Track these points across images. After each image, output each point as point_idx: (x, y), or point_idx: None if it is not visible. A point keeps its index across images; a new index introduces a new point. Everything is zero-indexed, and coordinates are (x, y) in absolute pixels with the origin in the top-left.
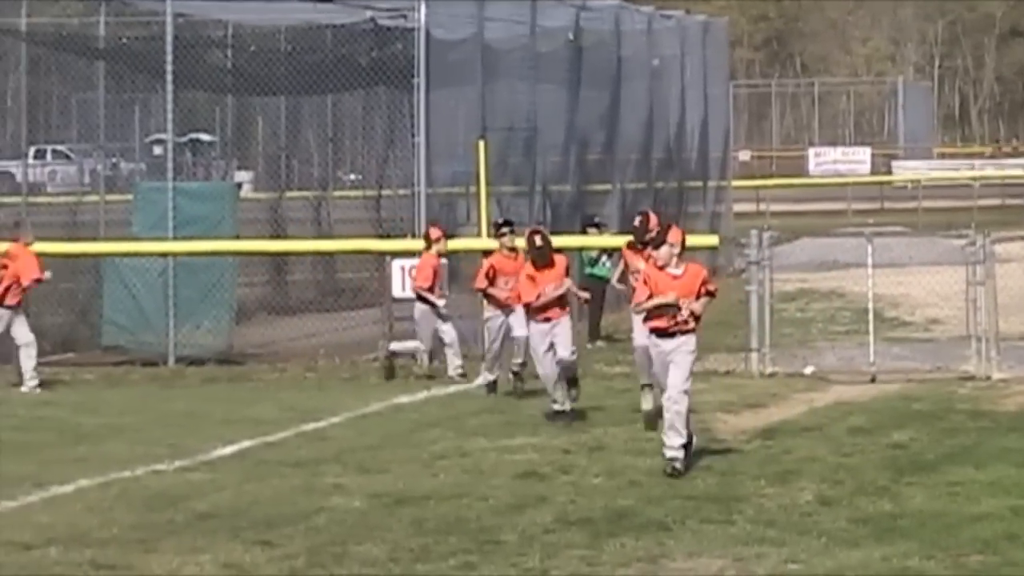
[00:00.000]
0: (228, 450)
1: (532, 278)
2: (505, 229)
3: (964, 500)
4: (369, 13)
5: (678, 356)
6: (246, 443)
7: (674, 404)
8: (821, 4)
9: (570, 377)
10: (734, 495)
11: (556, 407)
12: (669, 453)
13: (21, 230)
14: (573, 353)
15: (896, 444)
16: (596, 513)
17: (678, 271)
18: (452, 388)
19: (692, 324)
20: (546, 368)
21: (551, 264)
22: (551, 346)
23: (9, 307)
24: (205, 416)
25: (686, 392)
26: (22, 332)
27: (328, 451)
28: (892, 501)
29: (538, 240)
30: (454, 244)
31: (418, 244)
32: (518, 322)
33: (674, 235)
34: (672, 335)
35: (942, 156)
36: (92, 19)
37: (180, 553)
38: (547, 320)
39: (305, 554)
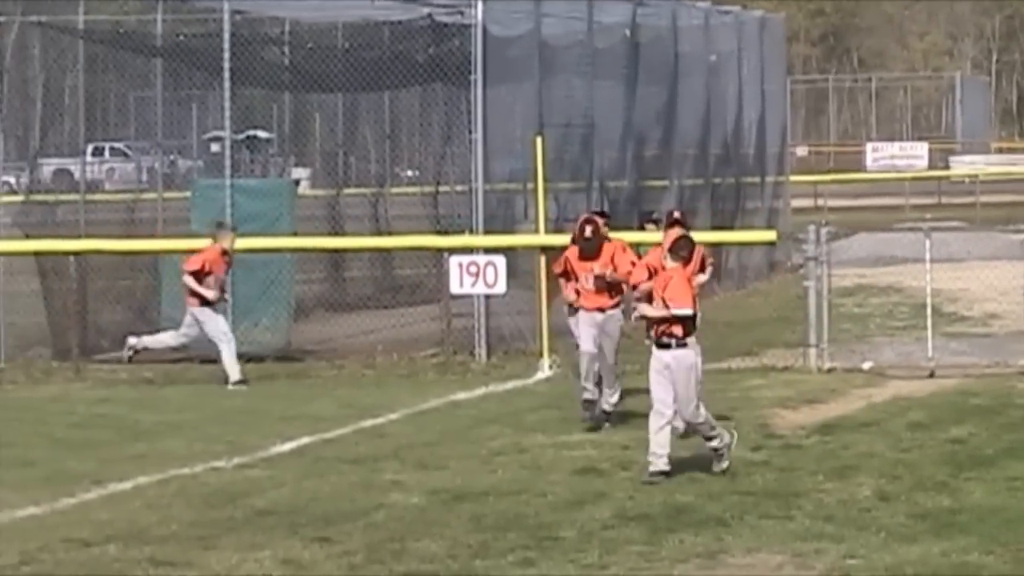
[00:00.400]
0: (287, 447)
1: (570, 270)
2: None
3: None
4: (426, 9)
5: (678, 374)
6: (304, 440)
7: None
8: None
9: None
10: (793, 491)
11: (587, 396)
12: (655, 462)
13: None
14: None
15: (955, 439)
16: (655, 509)
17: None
18: (510, 384)
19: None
20: (587, 345)
21: (596, 256)
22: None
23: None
24: (263, 413)
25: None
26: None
27: (386, 447)
28: (951, 496)
29: (588, 230)
30: (512, 240)
31: (476, 240)
32: (581, 334)
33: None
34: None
35: (1000, 151)
36: (150, 17)
37: (239, 550)
38: (600, 310)
39: (364, 550)
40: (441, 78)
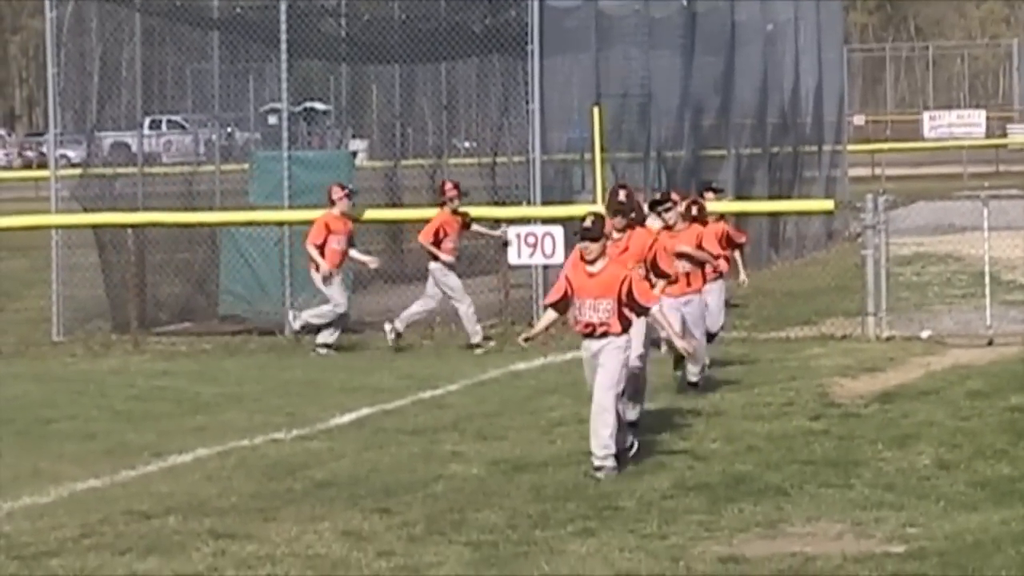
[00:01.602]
0: (346, 418)
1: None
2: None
3: None
4: None
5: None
6: (364, 411)
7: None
8: None
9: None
10: (852, 459)
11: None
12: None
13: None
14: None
15: (1014, 407)
16: (714, 479)
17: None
18: (569, 355)
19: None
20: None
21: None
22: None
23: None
24: (323, 385)
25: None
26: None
27: (446, 418)
28: (1011, 464)
29: (621, 195)
30: (570, 211)
31: (535, 211)
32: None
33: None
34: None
35: None
36: None
37: (299, 522)
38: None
39: (424, 521)
40: (498, 49)
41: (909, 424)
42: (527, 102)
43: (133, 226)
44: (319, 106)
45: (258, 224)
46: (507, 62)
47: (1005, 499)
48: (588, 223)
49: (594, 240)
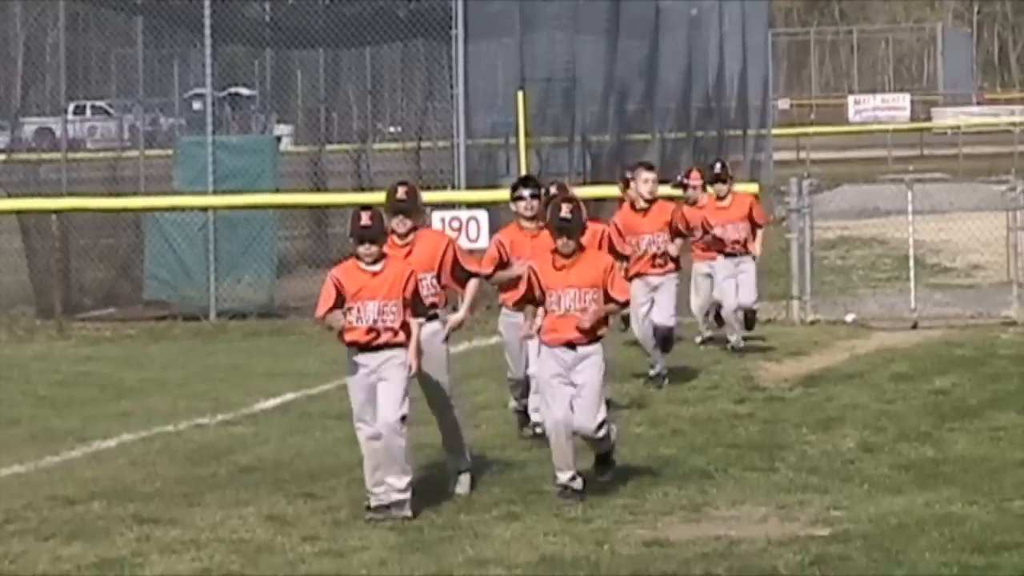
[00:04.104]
0: (271, 403)
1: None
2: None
3: (1007, 445)
4: None
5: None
6: (289, 396)
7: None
8: None
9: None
10: (777, 443)
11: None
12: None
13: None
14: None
15: (938, 390)
16: (639, 462)
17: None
18: (495, 339)
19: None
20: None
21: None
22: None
23: None
24: (247, 370)
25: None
26: None
27: None
28: (935, 447)
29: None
30: (494, 195)
31: (460, 195)
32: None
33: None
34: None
35: (981, 102)
36: None
37: (223, 506)
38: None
39: (348, 505)
40: (422, 33)
41: (834, 407)
42: (451, 87)
43: (57, 211)
44: (244, 91)
45: (182, 209)
46: (431, 47)
47: (929, 481)
48: (566, 212)
49: (571, 235)
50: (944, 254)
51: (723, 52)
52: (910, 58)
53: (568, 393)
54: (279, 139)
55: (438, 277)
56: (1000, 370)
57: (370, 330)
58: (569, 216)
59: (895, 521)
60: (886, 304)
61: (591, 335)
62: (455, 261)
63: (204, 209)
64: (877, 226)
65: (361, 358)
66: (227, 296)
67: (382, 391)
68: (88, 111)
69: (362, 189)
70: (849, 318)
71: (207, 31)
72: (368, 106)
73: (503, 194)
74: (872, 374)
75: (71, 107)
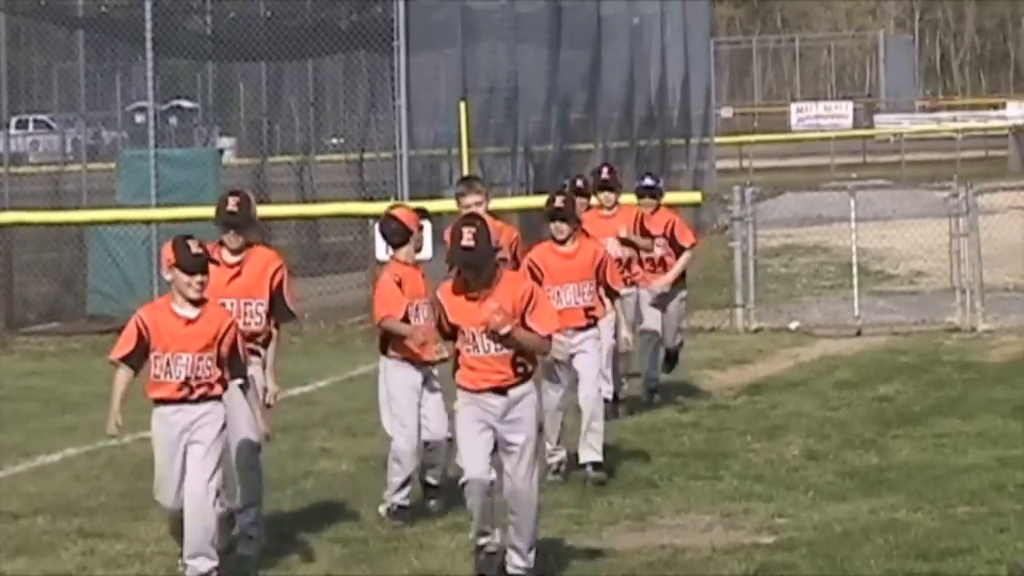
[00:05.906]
0: None
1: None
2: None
3: (951, 452)
4: None
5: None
6: None
7: None
8: None
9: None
10: (721, 451)
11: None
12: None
13: None
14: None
15: (882, 397)
16: (583, 472)
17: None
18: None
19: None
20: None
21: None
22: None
23: None
24: None
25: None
26: None
27: (315, 415)
28: (879, 454)
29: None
30: (438, 206)
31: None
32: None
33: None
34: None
35: (924, 109)
36: None
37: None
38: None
39: (293, 518)
40: (364, 45)
41: (778, 415)
42: (394, 98)
43: None
44: (186, 104)
45: (126, 223)
46: (374, 58)
47: (873, 488)
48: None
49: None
50: (887, 261)
51: (665, 61)
52: (852, 66)
53: (488, 440)
54: (222, 152)
55: (270, 304)
56: (944, 377)
57: (182, 385)
58: (471, 245)
59: (840, 528)
60: (830, 312)
61: (519, 374)
62: (280, 291)
63: (147, 222)
64: (820, 234)
65: (170, 415)
66: None
67: (192, 457)
68: (30, 125)
69: (305, 201)
70: (793, 326)
71: (149, 44)
72: (311, 118)
73: (447, 204)
74: (816, 382)
75: (13, 121)
